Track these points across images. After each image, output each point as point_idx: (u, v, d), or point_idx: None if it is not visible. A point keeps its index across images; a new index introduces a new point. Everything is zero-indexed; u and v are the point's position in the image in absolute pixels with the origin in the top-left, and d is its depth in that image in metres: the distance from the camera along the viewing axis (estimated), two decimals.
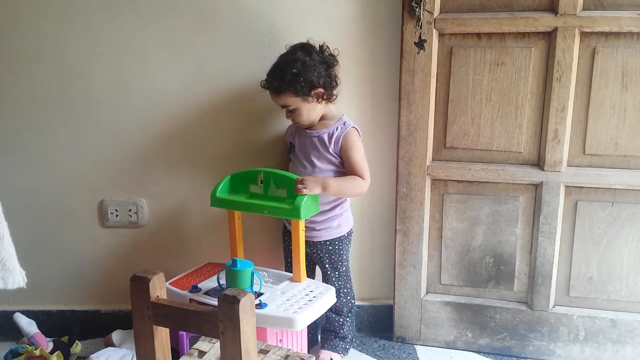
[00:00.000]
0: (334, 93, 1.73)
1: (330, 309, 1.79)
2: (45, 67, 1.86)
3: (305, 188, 1.61)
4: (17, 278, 0.90)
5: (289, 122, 1.80)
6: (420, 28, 1.74)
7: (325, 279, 1.85)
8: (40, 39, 1.84)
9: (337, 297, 1.77)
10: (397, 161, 1.87)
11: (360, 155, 1.73)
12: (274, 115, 1.87)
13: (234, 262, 1.60)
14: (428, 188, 1.87)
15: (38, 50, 1.85)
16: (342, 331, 1.87)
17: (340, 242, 1.82)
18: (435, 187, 1.89)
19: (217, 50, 1.84)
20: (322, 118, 1.76)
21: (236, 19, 1.82)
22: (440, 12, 1.74)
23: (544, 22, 1.68)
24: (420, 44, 1.75)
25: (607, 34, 1.67)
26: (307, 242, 1.77)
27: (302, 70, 1.64)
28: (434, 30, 1.75)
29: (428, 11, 1.72)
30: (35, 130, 1.91)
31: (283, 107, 1.72)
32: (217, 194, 1.73)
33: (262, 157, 1.92)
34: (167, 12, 1.82)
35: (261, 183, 1.72)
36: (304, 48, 1.68)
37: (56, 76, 1.87)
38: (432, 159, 1.87)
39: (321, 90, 1.68)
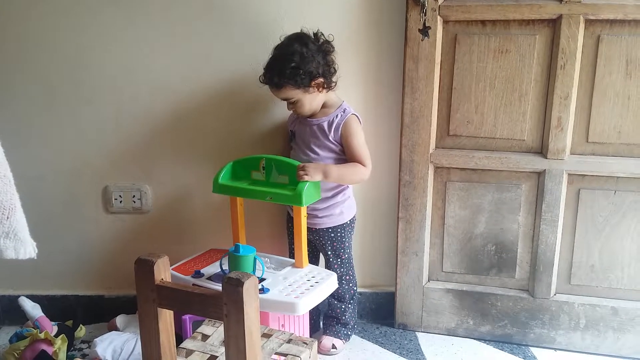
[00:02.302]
0: (333, 80, 1.73)
1: (332, 296, 1.81)
2: (51, 55, 1.86)
3: (306, 175, 1.62)
4: (29, 249, 0.91)
5: (290, 112, 1.80)
6: (425, 15, 1.74)
7: (328, 266, 1.85)
8: (47, 28, 1.84)
9: (339, 284, 1.79)
10: (400, 149, 1.87)
11: (360, 141, 1.72)
12: (277, 103, 1.86)
13: (237, 248, 1.61)
14: (431, 176, 1.88)
15: (45, 38, 1.85)
16: (344, 317, 1.89)
17: (342, 230, 1.82)
18: (438, 174, 1.89)
19: (222, 38, 1.84)
20: (322, 106, 1.75)
21: (241, 6, 1.82)
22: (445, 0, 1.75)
23: (549, 9, 1.68)
24: (425, 31, 1.74)
25: (611, 22, 1.66)
26: (309, 229, 1.78)
27: (300, 63, 1.62)
28: (438, 18, 1.74)
29: None
30: (41, 116, 1.91)
31: (284, 100, 1.71)
32: (220, 180, 1.73)
33: (264, 144, 1.92)
34: (172, 1, 1.82)
35: (263, 169, 1.72)
36: (300, 39, 1.67)
37: (62, 64, 1.87)
38: (435, 147, 1.87)
39: (321, 79, 1.67)
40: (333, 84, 1.73)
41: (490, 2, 1.71)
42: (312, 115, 1.75)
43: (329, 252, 1.84)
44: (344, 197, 1.81)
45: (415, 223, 1.91)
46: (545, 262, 1.85)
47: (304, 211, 1.67)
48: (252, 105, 1.90)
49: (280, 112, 1.89)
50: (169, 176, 1.97)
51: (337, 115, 1.72)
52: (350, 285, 1.88)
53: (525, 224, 1.86)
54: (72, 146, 1.94)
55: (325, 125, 1.72)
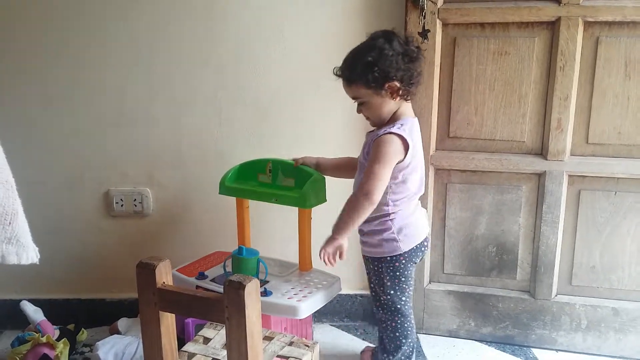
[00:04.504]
0: (412, 91, 1.50)
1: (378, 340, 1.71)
2: (52, 59, 1.87)
3: (329, 261, 1.49)
4: (31, 254, 0.91)
5: (291, 116, 1.78)
6: (424, 18, 1.74)
7: (374, 301, 1.67)
8: (47, 32, 1.85)
9: (379, 328, 1.66)
10: None
11: (376, 163, 1.45)
12: (280, 108, 1.87)
13: (240, 250, 1.61)
14: (431, 177, 1.88)
15: (45, 43, 1.86)
16: None
17: (380, 265, 1.57)
18: (439, 176, 1.89)
19: (223, 42, 1.85)
20: (390, 119, 1.53)
21: (241, 12, 1.82)
22: (444, 2, 1.75)
23: (548, 11, 1.68)
24: (424, 34, 1.75)
25: (610, 24, 1.67)
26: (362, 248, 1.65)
27: (377, 59, 1.42)
28: (438, 20, 1.75)
29: (432, 1, 1.73)
30: (42, 120, 1.92)
31: (353, 99, 1.52)
32: (226, 182, 1.74)
33: (266, 149, 1.92)
34: (173, 4, 1.83)
35: (269, 172, 1.72)
36: (386, 35, 1.47)
37: (62, 67, 1.88)
38: (436, 149, 1.88)
39: (397, 84, 1.45)
40: (411, 95, 1.51)
41: (489, 5, 1.72)
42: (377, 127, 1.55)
43: (372, 284, 1.64)
44: (382, 226, 1.54)
45: None
46: (546, 263, 1.85)
47: (309, 214, 1.67)
48: (254, 110, 1.90)
49: (282, 116, 1.89)
50: (169, 180, 1.97)
51: (385, 130, 1.48)
52: (396, 335, 1.62)
53: (526, 225, 1.87)
54: (73, 150, 1.95)
55: (369, 138, 1.54)
